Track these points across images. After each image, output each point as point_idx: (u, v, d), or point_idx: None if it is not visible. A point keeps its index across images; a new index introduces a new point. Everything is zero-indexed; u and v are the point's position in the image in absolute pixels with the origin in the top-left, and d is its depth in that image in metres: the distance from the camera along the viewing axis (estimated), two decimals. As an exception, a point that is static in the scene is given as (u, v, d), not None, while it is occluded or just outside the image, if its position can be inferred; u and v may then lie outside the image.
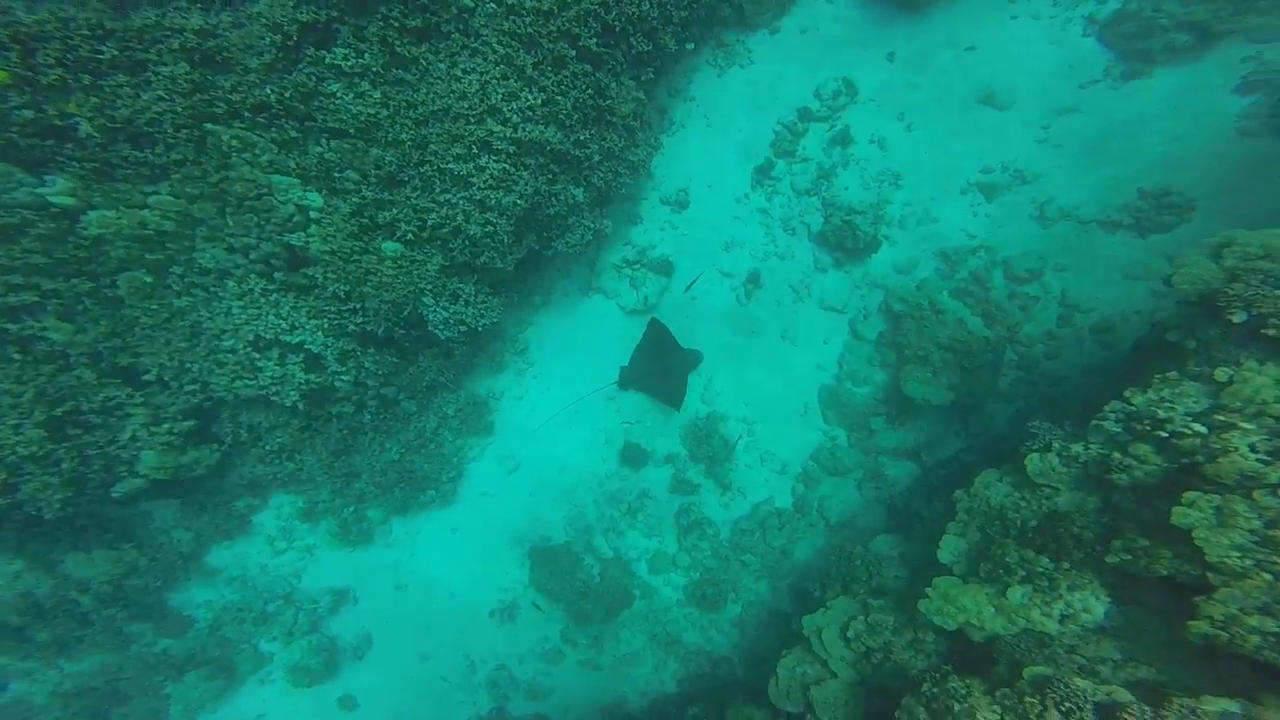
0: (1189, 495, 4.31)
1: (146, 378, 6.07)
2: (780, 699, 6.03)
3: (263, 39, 5.22)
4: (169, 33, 5.08)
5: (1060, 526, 5.04)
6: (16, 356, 5.64)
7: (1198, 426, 4.46)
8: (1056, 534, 5.06)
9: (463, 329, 6.44)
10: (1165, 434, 4.57)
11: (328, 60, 5.38)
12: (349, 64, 5.40)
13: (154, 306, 5.82)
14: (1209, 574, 4.11)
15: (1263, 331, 4.55)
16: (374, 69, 5.47)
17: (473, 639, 8.15)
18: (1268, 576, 3.91)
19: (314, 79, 5.43)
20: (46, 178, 5.27)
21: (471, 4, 5.48)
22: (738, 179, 8.10)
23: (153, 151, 5.38)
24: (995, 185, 7.70)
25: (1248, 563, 3.99)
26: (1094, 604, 4.79)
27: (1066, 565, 4.94)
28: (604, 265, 7.99)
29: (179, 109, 5.20)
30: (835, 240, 7.79)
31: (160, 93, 5.15)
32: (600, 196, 6.67)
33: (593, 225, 6.67)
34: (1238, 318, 4.63)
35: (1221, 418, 4.44)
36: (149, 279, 5.71)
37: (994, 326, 7.55)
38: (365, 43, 5.41)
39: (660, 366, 7.86)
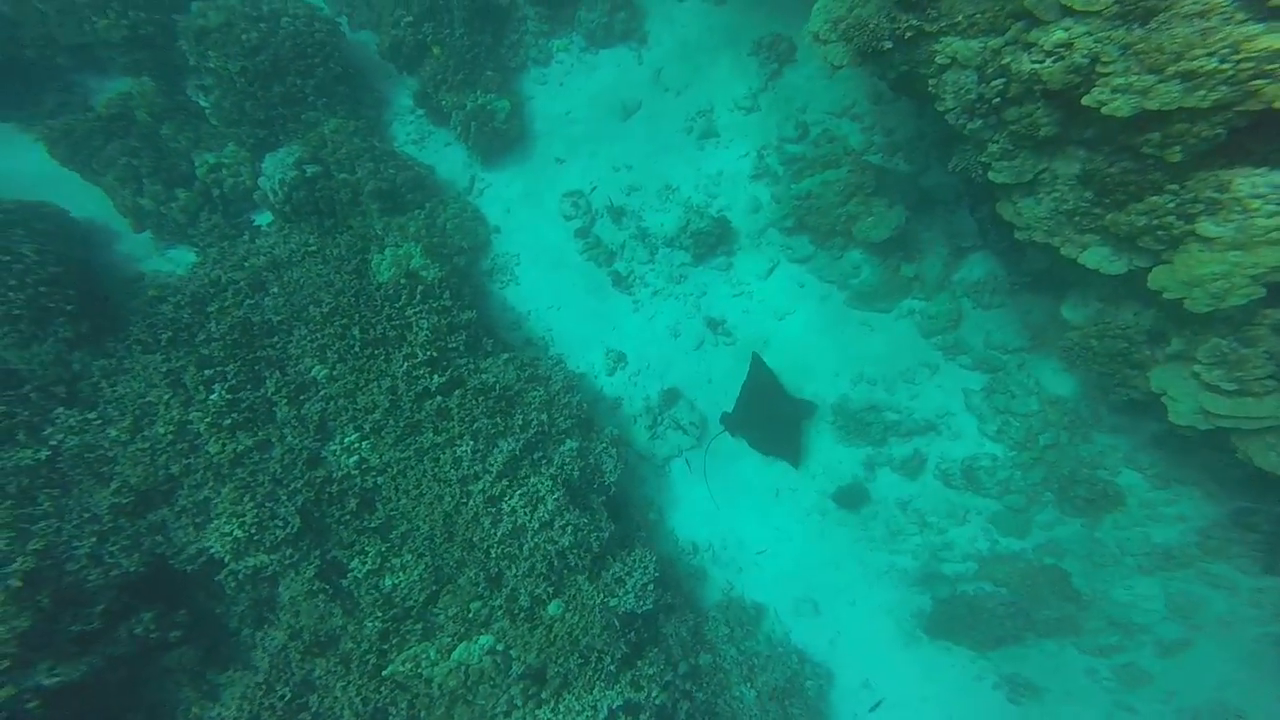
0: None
1: None
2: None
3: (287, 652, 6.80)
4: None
5: (1106, 175, 5.18)
6: None
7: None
8: (1122, 179, 5.09)
9: (652, 589, 7.07)
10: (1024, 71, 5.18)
11: (361, 585, 6.73)
12: (393, 574, 6.72)
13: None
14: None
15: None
16: (402, 552, 6.82)
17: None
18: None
19: (370, 588, 6.70)
20: None
21: (353, 459, 6.83)
22: (617, 304, 9.15)
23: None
24: (711, 127, 9.25)
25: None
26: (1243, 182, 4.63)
27: (1184, 184, 4.94)
28: (645, 446, 8.71)
29: (357, 692, 6.55)
30: (707, 248, 8.91)
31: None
32: (583, 424, 7.60)
33: (604, 442, 7.56)
34: None
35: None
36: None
37: (844, 161, 8.31)
38: (357, 546, 6.82)
39: (767, 413, 8.22)
